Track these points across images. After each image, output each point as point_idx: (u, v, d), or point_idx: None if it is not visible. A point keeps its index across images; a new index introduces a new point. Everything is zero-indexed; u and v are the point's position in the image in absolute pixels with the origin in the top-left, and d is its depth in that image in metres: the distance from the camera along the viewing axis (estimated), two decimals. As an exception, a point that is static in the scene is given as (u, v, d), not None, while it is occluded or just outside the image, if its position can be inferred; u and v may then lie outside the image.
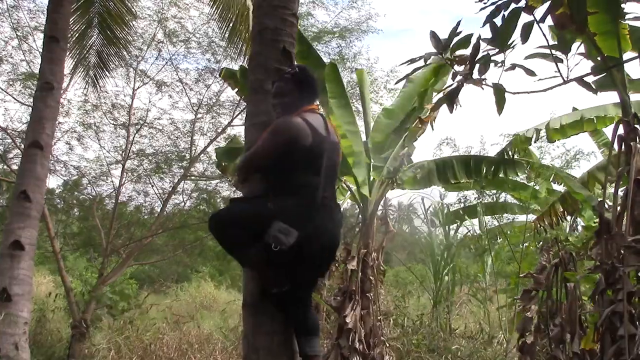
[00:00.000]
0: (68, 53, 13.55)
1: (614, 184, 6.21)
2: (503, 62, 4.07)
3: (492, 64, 4.08)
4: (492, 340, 10.62)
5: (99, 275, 15.86)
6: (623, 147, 5.95)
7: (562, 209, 9.43)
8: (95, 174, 18.28)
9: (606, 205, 6.35)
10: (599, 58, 5.69)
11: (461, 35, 4.04)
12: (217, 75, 13.19)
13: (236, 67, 10.94)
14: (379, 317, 8.82)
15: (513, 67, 4.12)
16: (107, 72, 14.20)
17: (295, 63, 4.75)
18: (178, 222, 17.82)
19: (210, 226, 4.32)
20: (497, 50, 4.07)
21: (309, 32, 16.99)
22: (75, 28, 12.98)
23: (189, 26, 17.39)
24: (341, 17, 17.93)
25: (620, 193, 5.94)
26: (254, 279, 4.37)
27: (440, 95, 8.36)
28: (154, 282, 24.94)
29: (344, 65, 17.08)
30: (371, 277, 8.70)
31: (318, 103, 4.50)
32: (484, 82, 4.10)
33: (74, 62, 14.04)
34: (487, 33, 4.00)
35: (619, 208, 5.79)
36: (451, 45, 4.08)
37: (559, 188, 12.02)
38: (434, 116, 8.89)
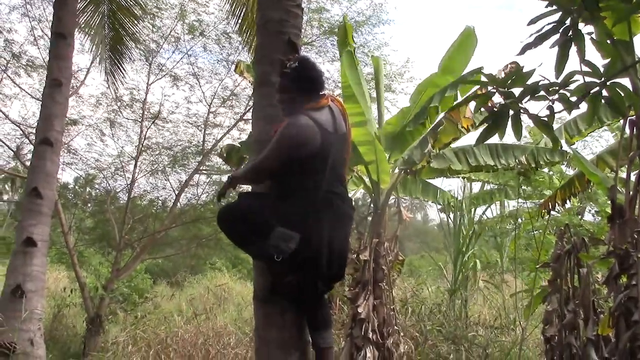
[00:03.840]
0: (85, 48, 13.66)
1: (624, 168, 6.14)
2: (556, 91, 3.86)
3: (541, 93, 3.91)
4: (509, 327, 10.59)
5: (112, 270, 15.93)
6: (635, 130, 5.89)
7: (569, 192, 9.33)
8: (109, 168, 18.39)
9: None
10: (608, 41, 5.62)
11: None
12: (233, 69, 13.14)
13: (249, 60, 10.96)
14: (392, 307, 8.79)
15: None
16: (120, 67, 14.23)
17: (298, 54, 4.71)
18: (193, 215, 17.84)
19: (219, 221, 4.31)
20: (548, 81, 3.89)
21: (324, 27, 16.97)
22: (90, 24, 13.05)
23: (207, 19, 17.40)
24: (352, 10, 17.85)
25: (633, 177, 5.88)
26: (265, 272, 4.37)
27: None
28: (167, 276, 25.04)
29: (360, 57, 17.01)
30: (383, 267, 8.67)
31: (325, 93, 4.40)
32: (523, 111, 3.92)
33: (91, 58, 14.14)
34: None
35: (631, 193, 5.73)
36: (509, 82, 3.87)
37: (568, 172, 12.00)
38: (471, 122, 8.69)
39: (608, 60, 3.68)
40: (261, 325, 4.35)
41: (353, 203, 4.55)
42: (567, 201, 9.44)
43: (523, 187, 11.67)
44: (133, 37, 13.96)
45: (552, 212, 9.74)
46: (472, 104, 8.40)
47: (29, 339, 9.37)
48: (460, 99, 8.23)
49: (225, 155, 10.28)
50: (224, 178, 18.33)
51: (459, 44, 8.97)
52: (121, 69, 14.17)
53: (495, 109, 3.77)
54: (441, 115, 8.70)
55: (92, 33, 13.29)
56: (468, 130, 8.69)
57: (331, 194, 4.10)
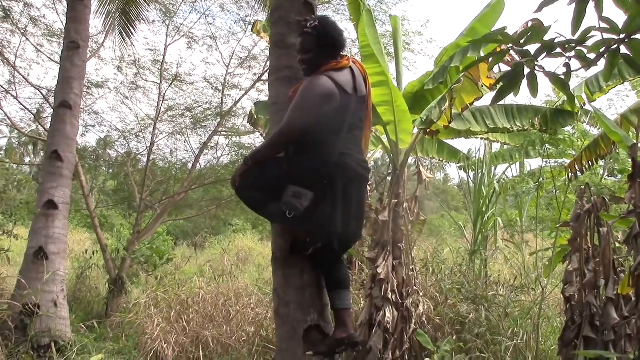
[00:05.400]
0: (98, 10, 13.63)
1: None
2: (572, 47, 3.75)
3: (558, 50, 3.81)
4: (529, 287, 10.58)
5: (133, 232, 16.04)
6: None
7: (594, 153, 9.22)
8: (130, 130, 18.43)
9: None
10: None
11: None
12: (250, 29, 13.03)
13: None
14: (412, 267, 8.80)
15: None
16: (134, 30, 14.22)
17: (317, 14, 4.66)
18: (214, 177, 17.86)
19: (234, 187, 4.32)
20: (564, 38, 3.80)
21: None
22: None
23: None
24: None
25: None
26: (283, 234, 4.39)
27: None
28: (188, 237, 25.18)
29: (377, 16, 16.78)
30: (403, 228, 8.66)
31: (346, 54, 4.38)
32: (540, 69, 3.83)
33: (104, 20, 14.11)
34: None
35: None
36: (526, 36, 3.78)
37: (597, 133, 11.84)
38: (493, 81, 8.55)
39: (627, 16, 3.60)
40: (280, 287, 4.38)
41: (369, 165, 4.54)
42: (594, 163, 9.35)
43: (547, 147, 11.55)
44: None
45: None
46: (492, 63, 8.28)
47: (52, 300, 9.53)
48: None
49: (256, 117, 10.20)
50: (243, 139, 18.36)
51: (486, 9, 8.85)
52: (132, 31, 14.16)
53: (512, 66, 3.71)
54: (461, 74, 8.59)
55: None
56: (491, 89, 8.58)
57: (345, 156, 4.08)
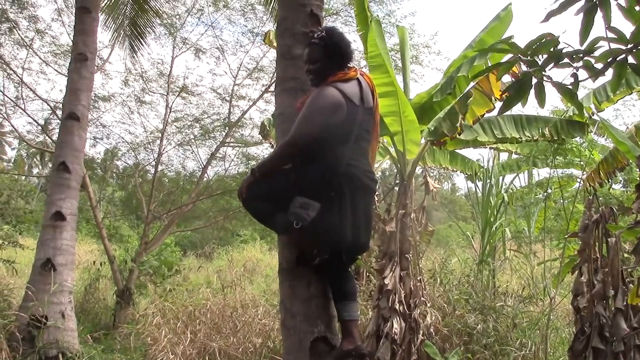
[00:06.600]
0: (104, 23, 13.67)
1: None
2: (580, 58, 3.73)
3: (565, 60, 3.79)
4: (537, 297, 10.53)
5: (140, 243, 16.03)
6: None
7: (612, 165, 9.14)
8: (138, 142, 18.45)
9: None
10: (637, 8, 5.48)
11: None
12: (262, 40, 13.03)
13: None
14: (419, 278, 8.78)
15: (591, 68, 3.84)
16: (142, 42, 14.25)
17: (323, 25, 4.67)
18: (221, 188, 17.85)
19: (240, 199, 4.33)
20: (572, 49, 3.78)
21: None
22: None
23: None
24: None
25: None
26: (289, 245, 4.38)
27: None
28: (196, 248, 25.17)
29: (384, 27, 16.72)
30: (410, 238, 8.65)
31: (353, 66, 4.37)
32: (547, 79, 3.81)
33: (112, 33, 14.14)
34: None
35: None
36: (534, 47, 3.76)
37: (604, 142, 11.81)
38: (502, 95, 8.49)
39: (635, 27, 3.59)
40: (287, 298, 4.36)
41: (376, 176, 4.53)
42: (614, 175, 9.30)
43: (556, 157, 11.49)
44: (154, 11, 13.96)
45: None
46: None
47: (60, 312, 9.53)
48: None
49: (268, 128, 10.18)
50: (251, 150, 18.37)
51: (495, 21, 8.83)
52: (142, 42, 14.20)
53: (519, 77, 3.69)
54: (470, 85, 8.56)
55: (110, 4, 13.32)
56: (501, 100, 8.53)
57: (352, 166, 4.08)
